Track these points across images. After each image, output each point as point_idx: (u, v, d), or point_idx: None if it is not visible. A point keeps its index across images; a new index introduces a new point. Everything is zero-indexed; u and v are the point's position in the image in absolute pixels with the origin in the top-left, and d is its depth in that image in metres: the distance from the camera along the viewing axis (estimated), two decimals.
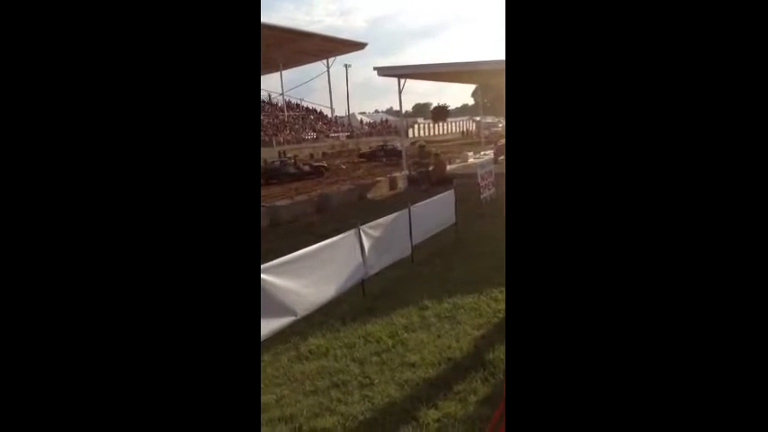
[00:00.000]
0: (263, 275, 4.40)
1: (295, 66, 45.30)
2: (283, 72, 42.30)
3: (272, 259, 4.64)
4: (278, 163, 20.31)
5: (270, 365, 4.25)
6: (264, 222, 10.51)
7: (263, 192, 16.33)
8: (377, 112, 66.63)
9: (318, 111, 47.31)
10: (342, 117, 48.76)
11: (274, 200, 13.22)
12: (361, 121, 52.50)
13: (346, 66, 47.90)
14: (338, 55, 43.91)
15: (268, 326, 4.43)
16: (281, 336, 4.62)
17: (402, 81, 16.87)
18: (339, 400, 3.64)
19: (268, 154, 26.03)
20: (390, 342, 4.56)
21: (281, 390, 3.86)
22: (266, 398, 3.74)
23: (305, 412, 3.50)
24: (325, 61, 44.19)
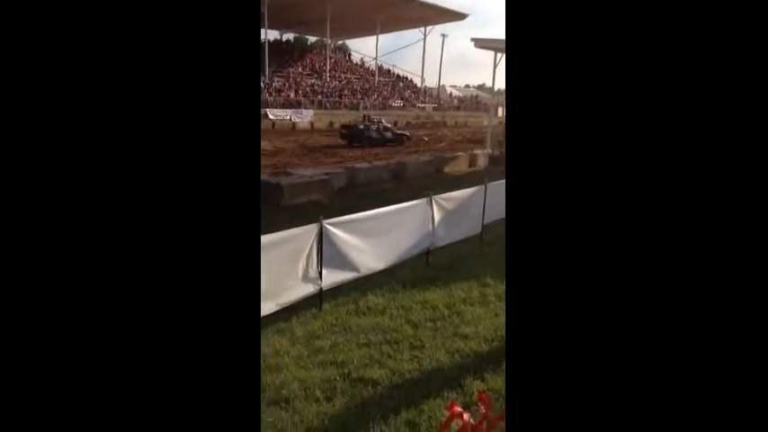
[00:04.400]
0: (332, 228, 4.60)
1: (391, 30, 44.91)
2: (379, 36, 42.28)
3: (342, 215, 4.82)
4: (361, 126, 20.59)
5: (329, 314, 4.47)
6: (341, 182, 10.83)
7: (345, 153, 16.76)
8: (467, 86, 64.91)
9: (409, 79, 46.99)
10: (431, 88, 48.08)
11: (354, 162, 13.50)
12: (451, 95, 51.48)
13: (443, 35, 46.90)
14: (437, 24, 42.89)
15: (332, 277, 4.65)
16: (342, 289, 4.82)
17: (498, 55, 16.22)
18: (389, 356, 3.77)
19: (353, 117, 26.54)
20: (446, 312, 4.60)
21: (335, 337, 4.07)
22: (322, 342, 3.97)
23: (356, 361, 3.68)
24: (422, 29, 43.49)
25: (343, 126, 23.67)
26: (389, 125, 21.54)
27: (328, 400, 3.20)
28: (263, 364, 3.59)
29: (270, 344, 3.90)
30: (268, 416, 3.01)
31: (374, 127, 20.24)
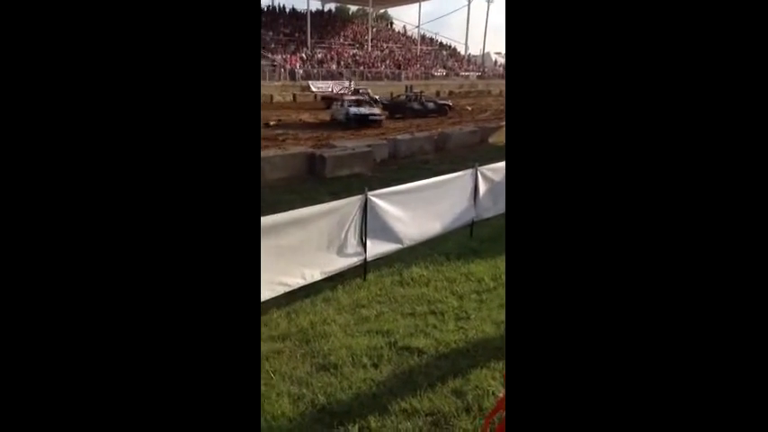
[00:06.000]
0: (376, 200, 4.60)
1: None
2: (422, 3, 41.09)
3: (384, 187, 4.81)
4: (403, 97, 20.39)
5: (374, 284, 4.53)
6: (383, 154, 10.80)
7: (387, 125, 16.65)
8: None
9: (452, 47, 45.68)
10: (476, 56, 46.56)
11: (395, 134, 13.40)
12: (495, 62, 49.68)
13: (488, 0, 45.00)
14: None
15: (375, 249, 4.68)
16: (386, 260, 4.86)
17: None
18: (435, 326, 3.79)
19: (395, 88, 26.19)
20: (492, 284, 4.56)
21: (381, 307, 4.13)
22: (367, 311, 4.03)
23: (401, 330, 3.72)
24: None
25: (323, 98, 22.95)
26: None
27: (375, 366, 3.27)
28: (311, 331, 3.71)
29: (317, 312, 4.01)
30: (317, 380, 3.12)
31: (416, 98, 19.96)
